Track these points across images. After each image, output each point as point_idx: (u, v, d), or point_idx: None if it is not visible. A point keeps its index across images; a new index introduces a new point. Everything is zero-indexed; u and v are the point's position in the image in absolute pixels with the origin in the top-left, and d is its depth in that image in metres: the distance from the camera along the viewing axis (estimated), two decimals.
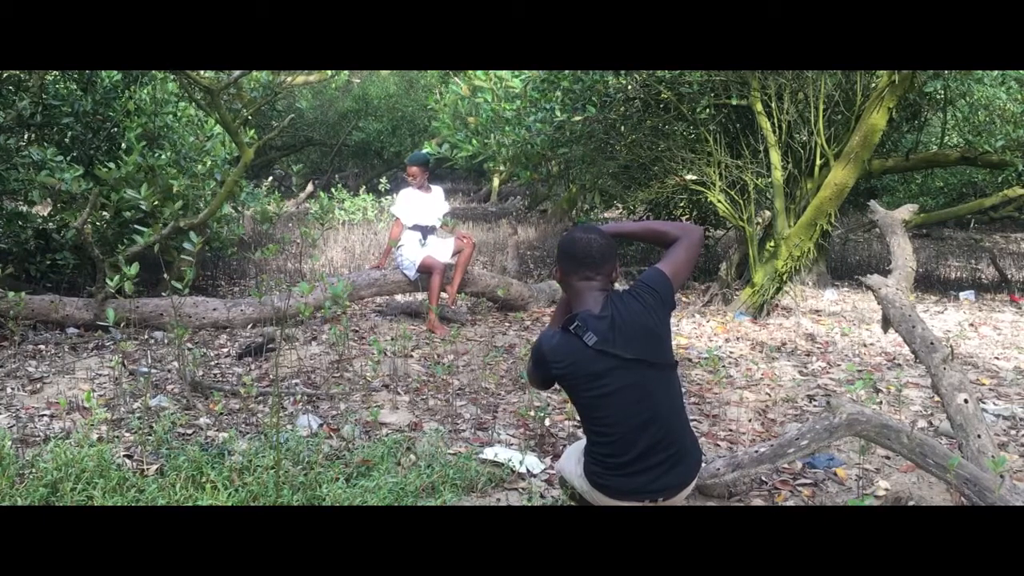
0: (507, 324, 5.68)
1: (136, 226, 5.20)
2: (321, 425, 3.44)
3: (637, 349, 2.11)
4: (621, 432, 2.14)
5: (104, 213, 5.66)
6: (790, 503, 2.82)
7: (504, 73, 6.66)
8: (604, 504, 2.23)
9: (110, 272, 4.62)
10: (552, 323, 2.39)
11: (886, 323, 3.34)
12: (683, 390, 4.13)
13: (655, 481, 2.14)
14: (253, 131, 7.19)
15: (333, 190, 11.48)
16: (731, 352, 4.94)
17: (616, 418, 2.13)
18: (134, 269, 3.81)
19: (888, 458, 3.11)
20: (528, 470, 2.98)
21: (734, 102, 6.06)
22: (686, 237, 2.28)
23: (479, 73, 6.87)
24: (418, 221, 5.56)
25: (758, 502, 2.80)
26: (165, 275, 4.03)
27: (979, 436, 2.60)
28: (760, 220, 6.49)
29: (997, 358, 4.84)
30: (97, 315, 4.84)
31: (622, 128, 6.56)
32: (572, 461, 2.36)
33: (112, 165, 5.17)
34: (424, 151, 6.70)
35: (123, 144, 5.49)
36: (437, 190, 5.73)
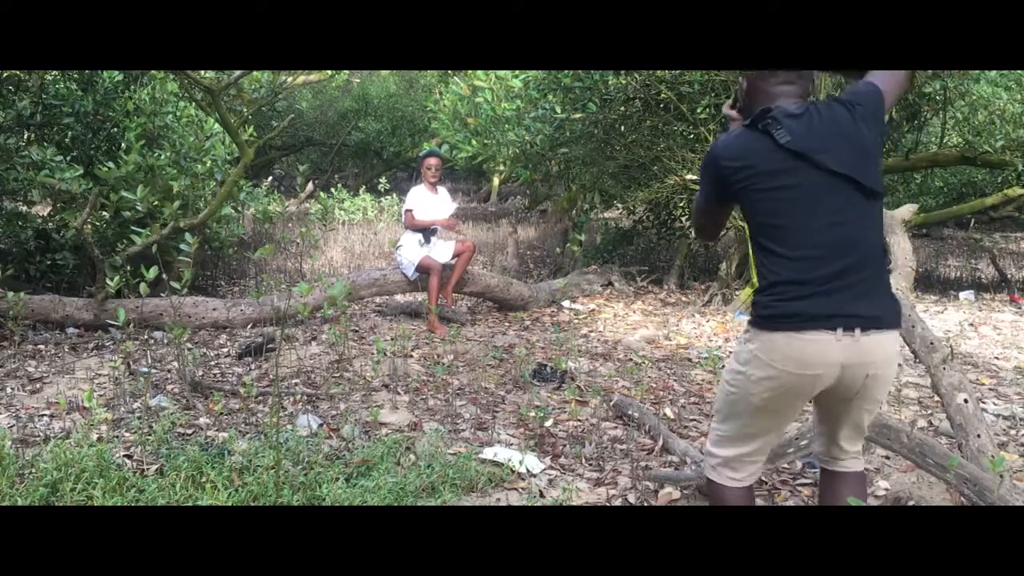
0: (507, 324, 5.68)
1: (135, 227, 5.20)
2: (321, 425, 3.44)
3: (842, 162, 1.74)
4: (806, 245, 1.73)
5: (104, 213, 5.66)
6: (790, 503, 2.82)
7: (504, 73, 6.66)
8: (781, 355, 1.76)
9: (110, 272, 4.62)
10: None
11: None
12: (683, 390, 4.14)
13: (846, 305, 1.72)
14: (252, 128, 7.19)
15: (333, 190, 11.49)
16: (731, 352, 4.94)
17: (800, 223, 1.74)
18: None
19: (888, 458, 3.11)
20: (528, 470, 2.98)
21: None
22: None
23: (479, 73, 6.87)
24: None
25: (758, 502, 2.80)
26: (164, 275, 4.03)
27: (979, 436, 2.60)
28: None
29: (997, 358, 4.84)
30: (97, 315, 4.84)
31: (622, 128, 6.56)
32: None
33: (112, 165, 5.17)
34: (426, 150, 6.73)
35: (123, 144, 5.49)
36: (443, 191, 5.77)
